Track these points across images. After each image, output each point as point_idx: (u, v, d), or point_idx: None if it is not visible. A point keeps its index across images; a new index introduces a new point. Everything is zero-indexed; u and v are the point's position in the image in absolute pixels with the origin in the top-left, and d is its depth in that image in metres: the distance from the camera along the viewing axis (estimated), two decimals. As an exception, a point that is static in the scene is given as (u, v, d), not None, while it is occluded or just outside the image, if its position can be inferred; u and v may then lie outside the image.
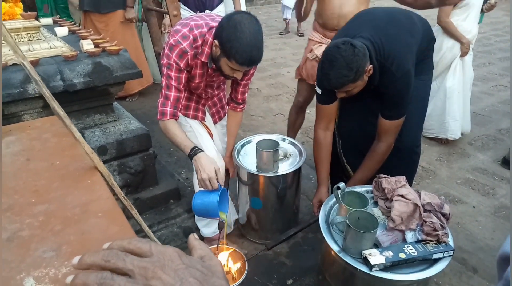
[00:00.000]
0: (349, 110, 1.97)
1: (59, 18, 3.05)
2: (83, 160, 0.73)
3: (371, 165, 1.87)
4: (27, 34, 1.91)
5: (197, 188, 1.98)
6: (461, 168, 2.94)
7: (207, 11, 3.16)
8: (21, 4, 2.17)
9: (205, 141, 1.91)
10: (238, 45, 1.44)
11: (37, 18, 2.08)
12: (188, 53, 1.60)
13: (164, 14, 3.71)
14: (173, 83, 1.63)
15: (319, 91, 1.80)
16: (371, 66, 1.57)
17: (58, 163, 0.73)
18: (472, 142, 3.31)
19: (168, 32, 3.76)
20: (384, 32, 1.66)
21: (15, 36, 1.87)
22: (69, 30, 2.43)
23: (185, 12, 3.19)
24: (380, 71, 1.63)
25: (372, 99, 1.82)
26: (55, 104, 0.62)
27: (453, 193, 2.65)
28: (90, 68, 1.81)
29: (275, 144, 1.98)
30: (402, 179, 1.59)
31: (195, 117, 1.96)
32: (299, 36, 7.09)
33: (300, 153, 2.11)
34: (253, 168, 2.00)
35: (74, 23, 2.92)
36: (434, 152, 3.15)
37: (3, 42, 1.84)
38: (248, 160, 2.08)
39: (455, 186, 2.72)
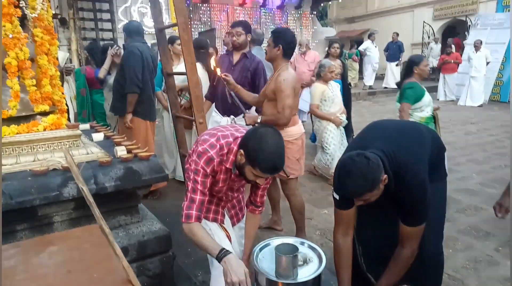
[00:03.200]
0: (368, 216, 2.00)
1: (96, 123, 3.37)
2: (118, 272, 0.79)
3: (396, 272, 1.83)
4: (69, 141, 2.12)
5: (214, 293, 1.94)
6: (491, 277, 2.77)
7: (232, 116, 3.50)
8: (66, 115, 2.45)
9: (224, 245, 1.93)
10: (262, 155, 1.58)
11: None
12: (215, 160, 1.73)
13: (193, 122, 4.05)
14: (199, 187, 1.73)
15: (336, 196, 1.86)
16: (386, 176, 1.66)
17: (96, 275, 0.79)
18: (499, 248, 3.17)
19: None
20: (395, 143, 1.78)
21: (58, 144, 2.08)
22: (104, 136, 2.68)
23: (215, 114, 3.64)
24: (395, 180, 1.70)
25: (390, 205, 1.86)
26: (102, 223, 0.71)
27: (486, 305, 2.46)
28: (122, 172, 1.96)
29: (294, 248, 1.97)
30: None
31: (214, 220, 2.02)
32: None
33: (320, 258, 2.07)
34: (272, 273, 1.96)
35: (109, 128, 3.22)
36: (460, 258, 3.02)
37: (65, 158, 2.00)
38: (267, 264, 2.05)
39: (487, 298, 2.54)
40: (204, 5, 11.72)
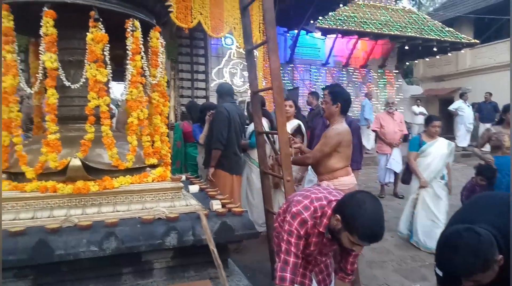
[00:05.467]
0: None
1: (190, 174, 3.63)
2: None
3: None
4: (172, 192, 2.32)
5: None
6: None
7: None
8: (169, 168, 2.70)
9: (311, 312, 1.87)
10: (361, 222, 1.55)
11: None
12: (308, 223, 1.74)
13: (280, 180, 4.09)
14: (292, 249, 1.73)
15: (439, 273, 1.70)
16: (501, 256, 1.48)
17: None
18: None
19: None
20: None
21: (163, 194, 2.28)
22: (199, 188, 2.87)
23: (311, 172, 3.80)
24: (512, 262, 1.51)
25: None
26: (227, 285, 0.76)
27: None
28: (217, 226, 2.06)
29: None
30: None
31: (302, 284, 1.98)
32: (399, 198, 6.96)
33: None
34: None
35: (201, 180, 3.43)
36: None
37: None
38: None
39: None
40: (290, 65, 12.37)
